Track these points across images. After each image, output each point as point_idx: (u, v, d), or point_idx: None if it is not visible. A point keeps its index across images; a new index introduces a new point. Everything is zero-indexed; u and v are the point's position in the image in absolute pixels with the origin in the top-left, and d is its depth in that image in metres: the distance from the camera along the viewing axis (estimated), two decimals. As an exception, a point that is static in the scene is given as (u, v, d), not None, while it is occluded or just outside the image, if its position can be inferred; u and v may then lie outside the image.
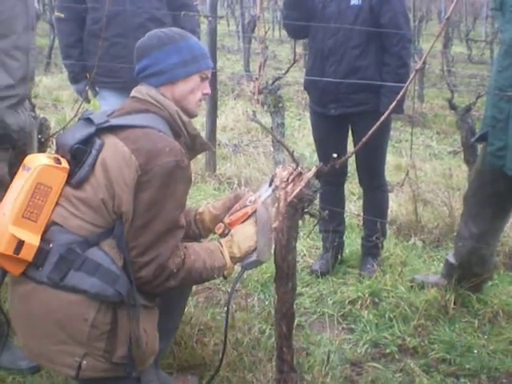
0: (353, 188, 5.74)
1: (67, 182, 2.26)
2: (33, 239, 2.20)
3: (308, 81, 4.19)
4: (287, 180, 2.48)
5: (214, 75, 5.97)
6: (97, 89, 4.47)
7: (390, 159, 7.01)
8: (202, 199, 5.35)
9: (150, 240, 2.23)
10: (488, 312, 3.64)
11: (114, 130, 2.28)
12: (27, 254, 2.19)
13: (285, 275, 2.55)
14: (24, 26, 2.80)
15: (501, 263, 4.23)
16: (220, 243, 2.48)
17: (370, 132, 2.39)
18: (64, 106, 8.44)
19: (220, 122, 7.14)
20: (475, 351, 3.29)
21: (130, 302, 2.23)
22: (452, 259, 3.79)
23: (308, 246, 4.55)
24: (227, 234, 2.53)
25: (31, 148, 3.04)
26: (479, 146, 3.94)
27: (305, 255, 4.39)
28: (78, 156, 2.25)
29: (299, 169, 2.48)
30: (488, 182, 3.49)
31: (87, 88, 4.40)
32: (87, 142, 2.26)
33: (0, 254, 2.19)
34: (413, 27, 12.89)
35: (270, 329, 3.34)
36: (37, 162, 2.26)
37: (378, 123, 2.38)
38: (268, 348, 3.17)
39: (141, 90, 2.44)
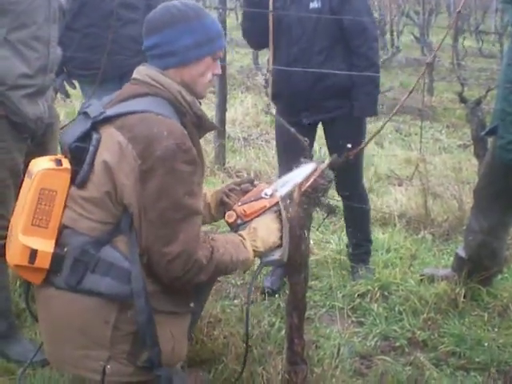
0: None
1: (72, 183, 2.18)
2: (46, 246, 2.14)
3: (276, 92, 3.90)
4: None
5: (224, 69, 5.95)
6: (75, 83, 4.35)
7: (400, 153, 7.00)
8: (212, 192, 5.33)
9: (169, 232, 2.10)
10: (498, 305, 3.64)
11: (109, 120, 2.17)
12: (43, 262, 2.13)
13: (297, 265, 2.55)
14: (45, 18, 2.83)
15: (511, 256, 4.21)
16: (241, 236, 2.35)
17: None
18: (73, 99, 8.42)
19: (229, 115, 7.12)
20: (485, 344, 3.29)
21: (145, 301, 2.12)
22: (462, 253, 3.78)
23: (317, 239, 4.54)
24: (240, 225, 2.41)
25: (52, 140, 3.05)
26: (489, 140, 3.93)
27: (314, 248, 4.37)
28: (78, 155, 2.17)
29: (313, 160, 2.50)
30: (498, 175, 3.48)
31: (65, 82, 4.30)
32: (85, 138, 2.17)
33: (16, 265, 2.16)
34: (422, 20, 12.87)
35: (280, 322, 3.35)
36: (37, 166, 2.19)
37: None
38: (278, 341, 3.17)
39: (140, 71, 2.31)
